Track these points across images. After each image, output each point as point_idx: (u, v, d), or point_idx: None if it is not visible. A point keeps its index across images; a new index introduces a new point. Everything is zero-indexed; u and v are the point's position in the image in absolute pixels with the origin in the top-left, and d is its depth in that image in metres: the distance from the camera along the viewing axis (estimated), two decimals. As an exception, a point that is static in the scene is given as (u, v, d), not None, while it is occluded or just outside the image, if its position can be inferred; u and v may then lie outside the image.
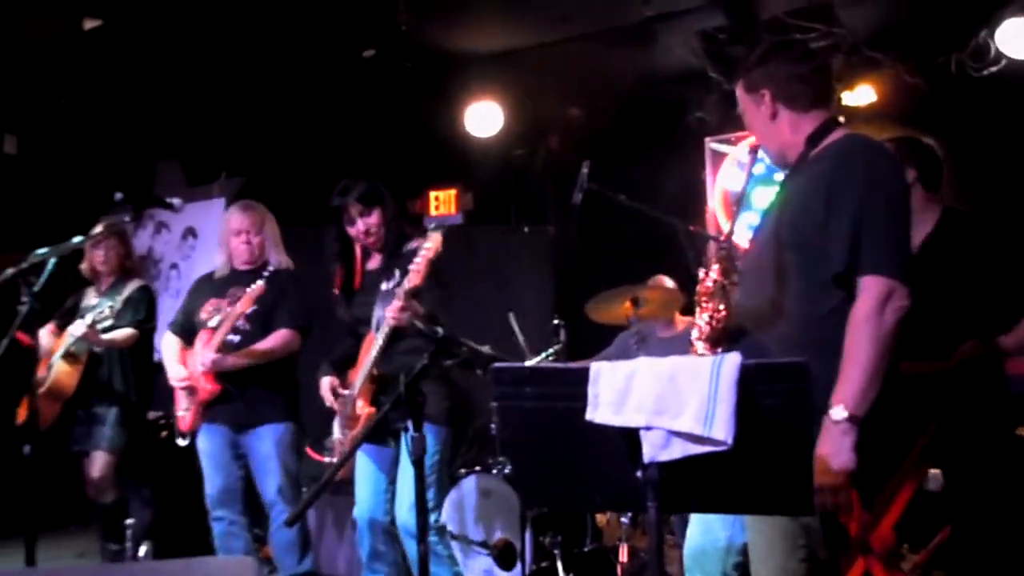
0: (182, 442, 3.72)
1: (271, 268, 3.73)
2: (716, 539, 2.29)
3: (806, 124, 2.14)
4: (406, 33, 4.67)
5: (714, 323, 2.00)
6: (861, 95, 5.03)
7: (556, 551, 3.92)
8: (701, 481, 1.62)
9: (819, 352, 1.85)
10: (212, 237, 6.48)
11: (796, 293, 2.00)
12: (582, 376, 1.61)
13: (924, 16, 4.73)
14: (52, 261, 3.23)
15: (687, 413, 1.52)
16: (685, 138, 5.66)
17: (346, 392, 3.29)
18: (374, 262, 3.39)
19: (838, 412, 1.83)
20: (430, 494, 3.14)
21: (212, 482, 3.70)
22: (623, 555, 3.94)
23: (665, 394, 1.54)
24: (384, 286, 3.27)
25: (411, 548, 3.15)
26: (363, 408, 3.20)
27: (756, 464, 1.58)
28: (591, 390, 1.58)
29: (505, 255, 5.99)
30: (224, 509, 3.69)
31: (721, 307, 2.00)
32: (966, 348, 2.99)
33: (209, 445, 3.70)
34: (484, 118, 5.61)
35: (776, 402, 1.54)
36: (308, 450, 3.48)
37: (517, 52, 5.32)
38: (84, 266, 4.31)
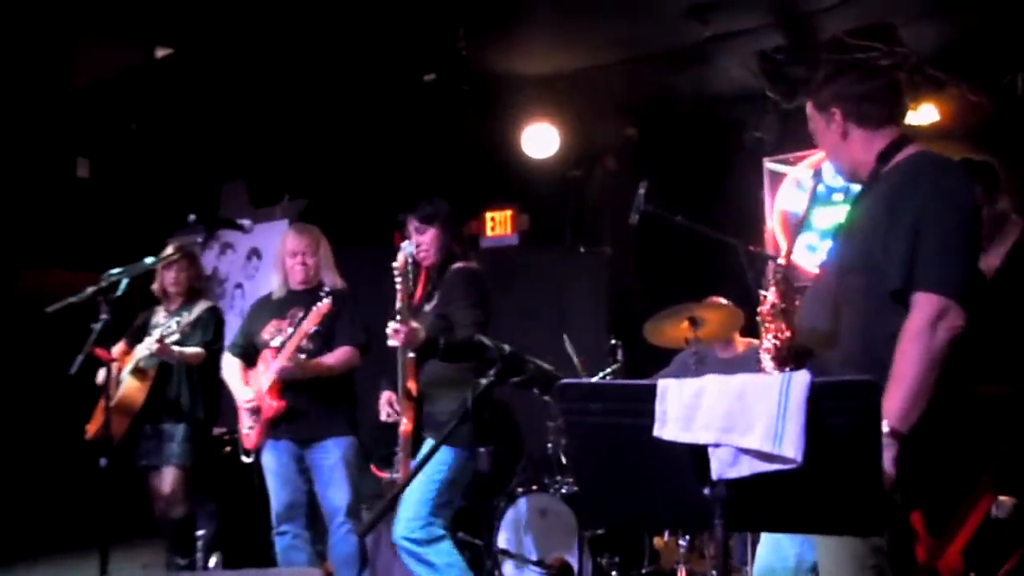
0: (247, 459, 3.81)
1: (326, 288, 3.82)
2: (785, 558, 2.27)
3: (878, 142, 2.14)
4: (465, 58, 4.76)
5: (779, 343, 2.03)
6: (924, 115, 4.96)
7: (614, 572, 3.91)
8: (769, 499, 1.62)
9: (881, 372, 1.86)
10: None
11: (860, 313, 2.00)
12: (649, 392, 1.62)
13: (987, 34, 4.66)
14: (126, 280, 3.36)
15: (756, 430, 1.52)
16: (743, 158, 5.64)
17: (398, 409, 3.38)
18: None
19: (883, 427, 1.81)
20: (426, 508, 3.19)
21: (278, 497, 3.76)
22: (681, 578, 3.91)
23: (733, 411, 1.55)
24: (426, 307, 3.36)
25: (405, 560, 3.24)
26: (405, 426, 3.27)
27: (824, 483, 1.57)
28: (659, 407, 1.59)
29: (561, 276, 6.00)
30: (289, 523, 3.76)
31: (784, 327, 2.02)
32: None
33: (274, 461, 3.78)
34: (540, 139, 5.67)
35: (845, 420, 1.54)
36: (372, 467, 3.55)
37: (573, 74, 5.37)
38: (155, 286, 4.44)
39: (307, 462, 3.78)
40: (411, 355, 3.23)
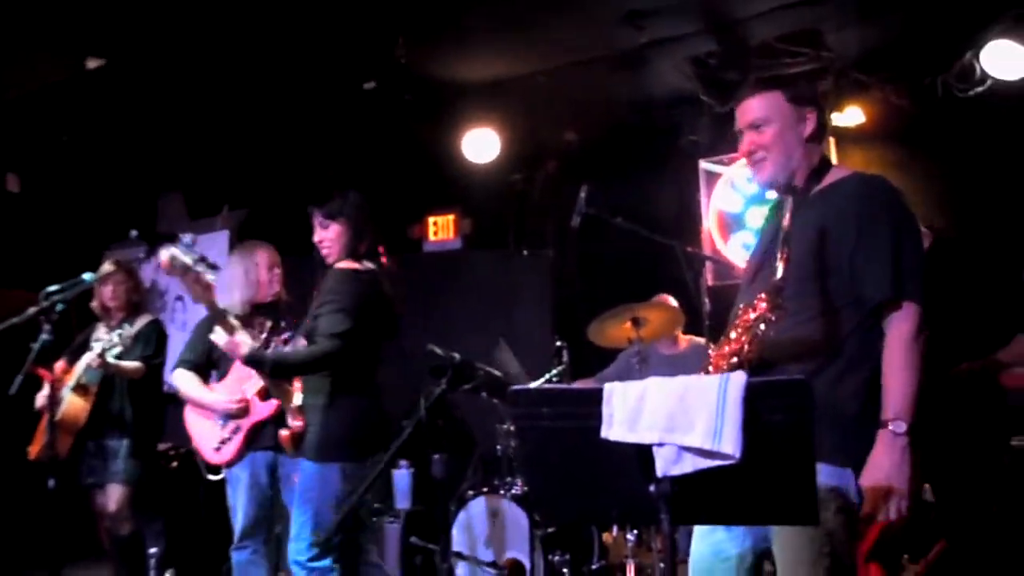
0: (214, 477, 3.72)
1: (285, 300, 3.82)
2: (725, 553, 2.27)
3: (815, 156, 2.24)
4: (405, 66, 4.79)
5: (741, 359, 2.02)
6: (850, 116, 5.16)
7: (565, 569, 3.98)
8: (711, 494, 1.70)
9: (840, 371, 2.03)
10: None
11: (810, 320, 2.08)
12: (596, 396, 1.69)
13: (910, 39, 4.85)
14: (65, 298, 3.32)
15: (697, 429, 1.60)
16: (679, 160, 5.78)
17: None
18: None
19: (899, 426, 1.96)
20: (305, 532, 3.02)
21: (247, 512, 3.63)
22: (630, 572, 4.01)
23: (675, 412, 1.63)
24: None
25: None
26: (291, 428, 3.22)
27: (762, 476, 1.65)
28: (605, 409, 1.67)
29: (505, 279, 6.07)
30: (252, 539, 3.65)
31: (746, 343, 2.02)
32: (972, 366, 3.07)
33: (247, 474, 3.63)
34: (482, 144, 5.72)
35: (780, 417, 1.62)
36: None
37: (513, 80, 5.43)
38: (95, 303, 4.37)
39: (280, 472, 3.69)
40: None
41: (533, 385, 3.95)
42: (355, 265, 3.19)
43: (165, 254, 3.07)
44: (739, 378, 1.60)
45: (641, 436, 1.64)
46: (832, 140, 5.35)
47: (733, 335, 2.06)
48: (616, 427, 1.66)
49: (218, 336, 3.11)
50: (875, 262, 2.05)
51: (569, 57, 5.16)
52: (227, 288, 3.64)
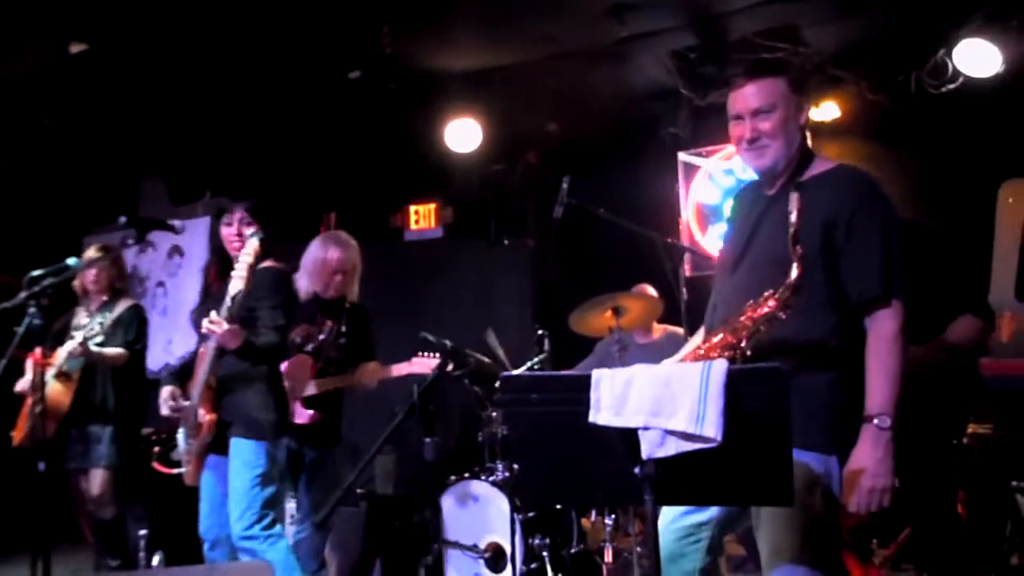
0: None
1: (352, 301, 3.91)
2: (696, 540, 2.28)
3: (803, 144, 2.26)
4: (389, 56, 4.82)
5: (735, 353, 2.05)
6: (826, 111, 5.25)
7: (545, 553, 4.06)
8: (693, 476, 1.78)
9: (825, 364, 2.08)
10: (198, 255, 6.59)
11: (792, 314, 2.05)
12: (583, 382, 1.76)
13: (885, 36, 4.94)
14: (51, 283, 3.34)
15: (680, 414, 1.69)
16: (659, 152, 5.86)
17: (187, 403, 3.43)
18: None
19: (884, 421, 2.01)
20: (255, 506, 3.23)
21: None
22: (608, 556, 4.10)
23: (660, 397, 1.71)
24: (227, 302, 3.38)
25: (242, 557, 3.26)
26: (204, 416, 3.33)
27: (742, 459, 1.74)
28: (593, 395, 1.74)
29: (486, 268, 6.13)
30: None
31: (745, 337, 2.05)
32: (922, 350, 3.15)
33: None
34: (463, 134, 5.76)
35: (759, 403, 1.71)
36: (155, 464, 3.61)
37: (495, 70, 5.47)
38: (76, 283, 4.38)
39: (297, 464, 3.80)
40: (214, 347, 3.29)
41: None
42: (280, 265, 3.49)
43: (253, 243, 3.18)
44: (721, 365, 1.68)
45: (627, 420, 1.72)
46: (808, 134, 5.44)
47: (732, 328, 2.06)
48: (603, 412, 1.73)
49: (214, 319, 3.17)
50: (865, 261, 2.07)
51: (552, 49, 5.21)
52: (301, 273, 3.84)
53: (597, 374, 1.75)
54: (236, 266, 3.17)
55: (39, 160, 6.31)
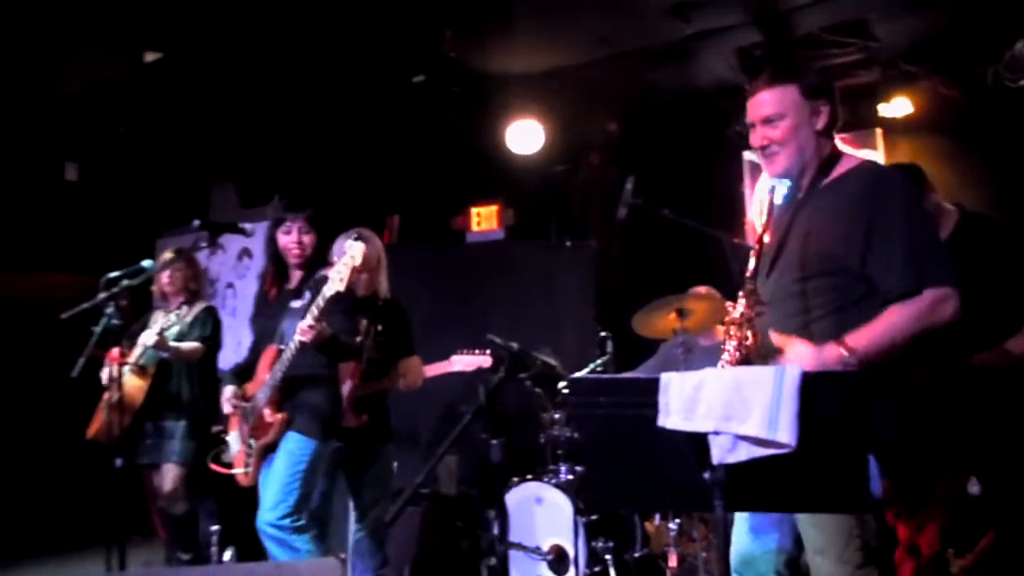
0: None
1: (384, 297, 3.94)
2: (766, 542, 2.32)
3: (828, 147, 2.25)
4: (453, 59, 4.85)
5: (743, 350, 2.15)
6: (898, 107, 5.12)
7: (608, 556, 4.04)
8: (764, 482, 1.75)
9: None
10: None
11: (826, 315, 2.12)
12: (652, 385, 1.75)
13: (959, 29, 4.80)
14: (127, 284, 3.46)
15: (753, 418, 1.66)
16: (724, 151, 5.78)
17: (247, 403, 3.49)
18: (289, 282, 3.64)
19: (853, 357, 1.98)
20: (290, 500, 3.30)
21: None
22: (672, 561, 4.05)
23: (732, 401, 1.68)
24: (293, 304, 3.49)
25: (268, 546, 3.32)
26: (271, 416, 3.40)
27: (816, 465, 1.70)
28: (662, 398, 1.72)
29: (548, 270, 6.11)
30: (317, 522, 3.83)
31: (748, 335, 2.14)
32: (986, 356, 3.03)
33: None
34: (526, 136, 5.76)
35: (835, 407, 1.67)
36: (211, 464, 3.68)
37: (558, 71, 5.46)
38: (154, 288, 4.52)
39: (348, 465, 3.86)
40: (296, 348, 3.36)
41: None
42: None
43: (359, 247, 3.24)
44: (795, 369, 1.65)
45: (697, 425, 1.70)
46: (879, 131, 5.32)
47: (734, 333, 2.16)
48: (673, 416, 1.71)
49: (308, 323, 3.26)
50: (889, 256, 2.05)
51: (614, 49, 5.18)
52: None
53: (666, 377, 1.73)
54: (337, 268, 3.21)
55: (114, 166, 6.54)
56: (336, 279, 3.19)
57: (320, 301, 3.23)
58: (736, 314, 2.16)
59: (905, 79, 5.08)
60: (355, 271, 3.20)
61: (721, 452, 1.69)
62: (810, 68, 2.35)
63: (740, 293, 2.16)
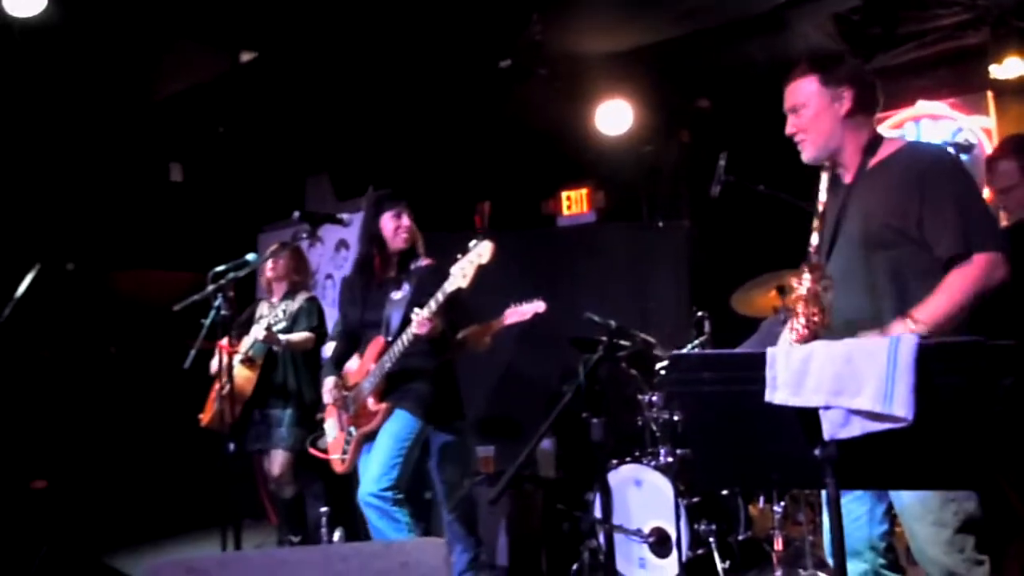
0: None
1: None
2: (856, 516, 2.33)
3: (864, 132, 2.35)
4: (539, 42, 4.82)
5: (811, 325, 2.18)
6: (1009, 68, 4.82)
7: (711, 539, 3.98)
8: (877, 458, 1.69)
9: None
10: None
11: (897, 287, 2.19)
12: (758, 360, 1.70)
13: (1077, -21, 4.50)
14: (233, 276, 3.58)
15: (866, 392, 1.59)
16: (820, 123, 5.57)
17: (348, 392, 3.52)
18: (387, 271, 3.69)
19: (920, 328, 2.04)
20: (393, 473, 3.40)
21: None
22: (778, 544, 3.96)
23: (843, 374, 1.62)
24: (393, 295, 3.52)
25: (370, 516, 3.40)
26: (375, 405, 3.47)
27: (934, 440, 1.63)
28: (768, 373, 1.68)
29: (640, 251, 6.04)
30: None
31: (817, 311, 2.18)
32: None
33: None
34: (614, 116, 5.68)
35: (954, 379, 1.60)
36: (310, 448, 3.73)
37: (644, 49, 5.36)
38: (261, 280, 4.68)
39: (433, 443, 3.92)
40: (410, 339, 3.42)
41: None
42: (435, 263, 3.66)
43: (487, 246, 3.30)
44: (911, 339, 1.58)
45: (806, 399, 1.65)
46: (990, 94, 5.04)
47: (801, 310, 2.21)
48: (780, 390, 1.67)
49: (424, 315, 3.36)
50: (940, 223, 2.15)
51: (702, 22, 5.05)
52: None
53: (772, 351, 1.68)
54: (462, 265, 3.26)
55: (215, 164, 6.78)
56: (459, 275, 3.23)
57: (440, 296, 3.28)
58: (803, 290, 2.20)
59: (1018, 37, 4.77)
60: (480, 269, 3.23)
61: (832, 427, 1.63)
62: (833, 58, 2.44)
63: (804, 268, 2.22)
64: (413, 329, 3.32)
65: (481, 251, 3.23)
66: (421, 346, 3.45)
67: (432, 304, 3.28)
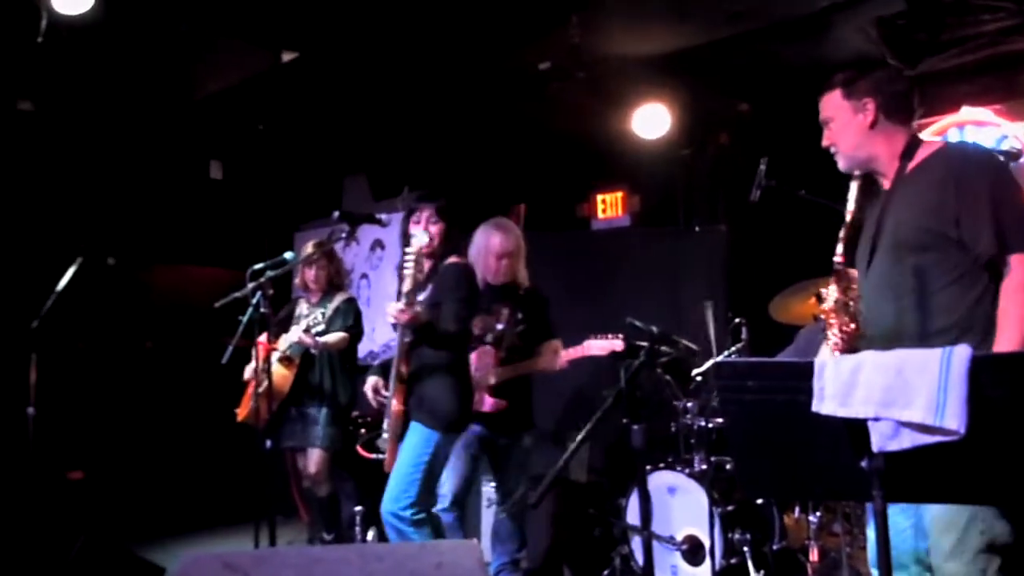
0: None
1: (524, 285, 4.02)
2: (901, 529, 2.31)
3: (899, 138, 2.36)
4: (577, 45, 4.81)
5: (845, 336, 2.20)
6: (1060, 73, 4.73)
7: (746, 548, 3.94)
8: (927, 471, 1.65)
9: (978, 335, 2.11)
10: (398, 249, 6.84)
11: (936, 290, 2.19)
12: (805, 370, 1.68)
13: None
14: (271, 274, 3.61)
15: (917, 404, 1.56)
16: (862, 129, 5.50)
17: (386, 394, 3.52)
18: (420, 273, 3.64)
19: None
20: (412, 490, 3.31)
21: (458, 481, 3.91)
22: (813, 555, 3.91)
23: (893, 386, 1.59)
24: (419, 296, 3.50)
25: (389, 534, 3.36)
26: (396, 407, 3.44)
27: (985, 454, 1.60)
28: (816, 383, 1.65)
29: (675, 256, 5.99)
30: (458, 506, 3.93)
31: (848, 320, 2.20)
32: None
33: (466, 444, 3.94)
34: (651, 120, 5.65)
35: (1006, 392, 1.56)
36: (358, 448, 3.73)
37: (683, 52, 5.32)
38: (298, 280, 4.72)
39: (490, 451, 3.94)
40: (407, 339, 3.40)
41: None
42: (463, 261, 3.63)
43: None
44: (963, 351, 1.54)
45: (855, 411, 1.62)
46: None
47: (833, 321, 2.24)
48: (828, 401, 1.64)
49: (397, 307, 3.34)
50: (977, 225, 2.16)
51: (743, 26, 5.00)
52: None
53: (820, 361, 1.66)
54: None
55: (254, 162, 6.85)
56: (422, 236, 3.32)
57: (406, 287, 3.29)
58: (831, 301, 2.23)
59: (1067, 42, 4.68)
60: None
61: (882, 439, 1.61)
62: (855, 72, 2.46)
63: (832, 278, 2.25)
64: (388, 319, 3.33)
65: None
66: (432, 347, 3.45)
67: (406, 283, 3.29)
